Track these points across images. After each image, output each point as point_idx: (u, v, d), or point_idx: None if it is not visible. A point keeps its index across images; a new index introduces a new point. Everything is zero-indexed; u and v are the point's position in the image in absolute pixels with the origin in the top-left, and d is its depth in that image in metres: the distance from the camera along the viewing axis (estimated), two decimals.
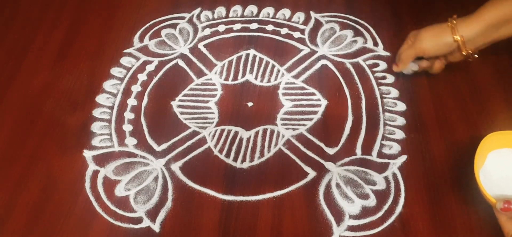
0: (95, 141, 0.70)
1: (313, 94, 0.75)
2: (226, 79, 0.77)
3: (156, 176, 0.66)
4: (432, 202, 0.61)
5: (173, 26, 0.86)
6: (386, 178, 0.64)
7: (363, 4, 0.88)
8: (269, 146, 0.68)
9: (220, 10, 0.88)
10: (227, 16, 0.87)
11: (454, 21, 0.65)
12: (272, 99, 0.74)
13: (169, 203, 0.63)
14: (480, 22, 0.64)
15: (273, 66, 0.79)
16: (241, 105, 0.74)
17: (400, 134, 0.69)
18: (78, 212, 0.62)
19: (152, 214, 0.62)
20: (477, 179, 0.55)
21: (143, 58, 0.81)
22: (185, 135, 0.70)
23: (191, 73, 0.78)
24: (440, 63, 0.71)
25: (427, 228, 0.59)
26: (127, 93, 0.76)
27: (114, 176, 0.66)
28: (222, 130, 0.70)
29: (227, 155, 0.68)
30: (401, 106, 0.72)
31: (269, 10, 0.88)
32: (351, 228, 0.60)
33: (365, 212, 0.61)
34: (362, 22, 0.84)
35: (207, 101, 0.74)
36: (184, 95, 0.75)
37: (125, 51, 0.82)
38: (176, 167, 0.67)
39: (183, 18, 0.87)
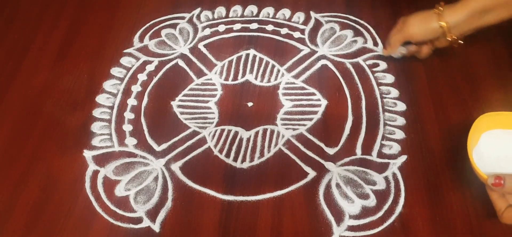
0: (95, 141, 0.70)
1: (313, 94, 0.75)
2: (226, 79, 0.77)
3: (156, 176, 0.66)
4: (432, 202, 0.61)
5: (173, 26, 0.86)
6: (386, 178, 0.64)
7: (363, 4, 0.88)
8: (269, 146, 0.68)
9: (220, 10, 0.88)
10: (227, 16, 0.87)
11: (441, 8, 0.68)
12: (272, 99, 0.74)
13: (169, 203, 0.63)
14: (464, 9, 0.67)
15: (273, 66, 0.79)
16: (241, 105, 0.74)
17: (400, 134, 0.69)
18: (78, 212, 0.62)
19: (152, 214, 0.62)
20: (470, 157, 0.56)
21: (143, 58, 0.81)
22: (185, 135, 0.70)
23: (191, 73, 0.78)
24: (427, 48, 0.74)
25: (427, 228, 0.59)
26: (127, 93, 0.76)
27: (114, 176, 0.66)
28: (222, 130, 0.70)
29: (227, 155, 0.68)
30: (401, 106, 0.72)
31: (269, 10, 0.88)
32: (351, 228, 0.60)
33: (365, 212, 0.61)
34: (362, 22, 0.84)
35: (207, 101, 0.74)
36: (184, 95, 0.75)
37: (125, 51, 0.82)
38: (176, 167, 0.67)
39: (183, 18, 0.87)
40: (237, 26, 0.85)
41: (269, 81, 0.77)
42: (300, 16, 0.86)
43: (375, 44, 0.81)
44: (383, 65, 0.78)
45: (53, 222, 0.62)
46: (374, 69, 0.77)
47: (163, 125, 0.72)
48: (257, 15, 0.87)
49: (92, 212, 0.62)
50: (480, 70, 0.75)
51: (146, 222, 0.61)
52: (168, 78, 0.78)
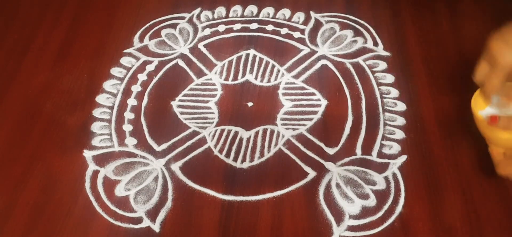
0: (95, 141, 0.70)
1: (313, 94, 0.75)
2: (226, 79, 0.77)
3: (156, 176, 0.66)
4: (432, 202, 0.61)
5: (173, 26, 0.86)
6: (386, 178, 0.64)
7: (363, 4, 0.88)
8: (269, 146, 0.68)
9: (220, 10, 0.88)
10: (227, 16, 0.87)
11: None
12: (272, 99, 0.74)
13: (169, 203, 0.63)
14: None
15: (273, 66, 0.79)
16: (241, 105, 0.74)
17: (400, 134, 0.69)
18: (78, 212, 0.62)
19: (152, 214, 0.62)
20: (472, 107, 0.58)
21: (143, 58, 0.81)
22: (185, 135, 0.70)
23: (191, 73, 0.78)
24: None
25: (427, 228, 0.59)
26: (127, 93, 0.76)
27: (114, 176, 0.66)
28: (222, 130, 0.71)
29: (227, 155, 0.68)
30: (401, 106, 0.72)
31: (269, 10, 0.88)
32: (351, 228, 0.60)
33: (365, 212, 0.61)
34: (362, 22, 0.84)
35: (207, 101, 0.74)
36: (184, 95, 0.75)
37: (125, 51, 0.82)
38: (176, 167, 0.67)
39: (183, 18, 0.87)
40: (237, 26, 0.85)
41: (269, 81, 0.77)
42: (300, 16, 0.86)
43: (375, 44, 0.81)
44: (383, 65, 0.78)
45: (53, 222, 0.62)
46: (374, 69, 0.77)
47: (163, 125, 0.72)
48: (257, 15, 0.87)
49: (92, 212, 0.62)
50: None
51: (146, 222, 0.61)
52: (168, 78, 0.78)
